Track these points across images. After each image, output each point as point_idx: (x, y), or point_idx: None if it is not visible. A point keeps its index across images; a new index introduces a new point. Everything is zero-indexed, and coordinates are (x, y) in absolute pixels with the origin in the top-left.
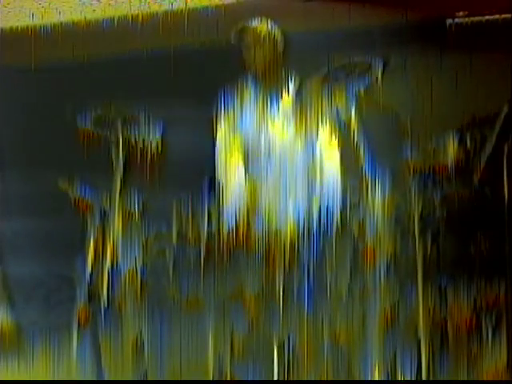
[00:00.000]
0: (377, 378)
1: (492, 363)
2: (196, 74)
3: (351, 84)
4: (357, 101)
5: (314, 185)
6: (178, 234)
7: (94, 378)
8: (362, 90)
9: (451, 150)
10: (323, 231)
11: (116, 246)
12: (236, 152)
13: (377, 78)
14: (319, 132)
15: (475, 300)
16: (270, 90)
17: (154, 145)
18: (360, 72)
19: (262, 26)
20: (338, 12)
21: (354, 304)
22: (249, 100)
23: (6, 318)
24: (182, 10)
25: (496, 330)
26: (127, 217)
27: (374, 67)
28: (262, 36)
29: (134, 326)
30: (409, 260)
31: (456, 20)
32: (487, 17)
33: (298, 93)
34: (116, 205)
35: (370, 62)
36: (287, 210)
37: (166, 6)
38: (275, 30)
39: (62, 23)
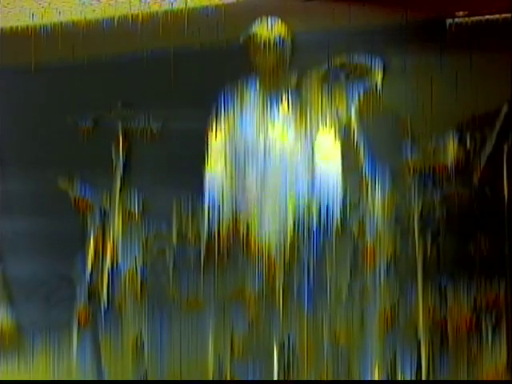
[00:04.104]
0: (377, 378)
1: (492, 363)
2: (196, 74)
3: (351, 84)
4: (357, 101)
5: (314, 185)
6: (178, 233)
7: (94, 378)
8: (362, 94)
9: (451, 150)
10: (323, 231)
11: (116, 245)
12: (235, 152)
13: (376, 73)
14: (319, 132)
15: (475, 300)
16: (271, 90)
17: (153, 145)
18: (360, 73)
19: (267, 26)
20: (339, 12)
21: (354, 303)
22: (249, 100)
23: (6, 318)
24: (181, 10)
25: (496, 329)
26: (127, 216)
27: (373, 64)
28: (267, 36)
29: (134, 325)
30: (409, 260)
31: (456, 20)
32: (487, 17)
33: (298, 93)
34: (116, 204)
35: (370, 59)
36: (287, 210)
37: (166, 6)
38: (280, 30)
39: (61, 23)
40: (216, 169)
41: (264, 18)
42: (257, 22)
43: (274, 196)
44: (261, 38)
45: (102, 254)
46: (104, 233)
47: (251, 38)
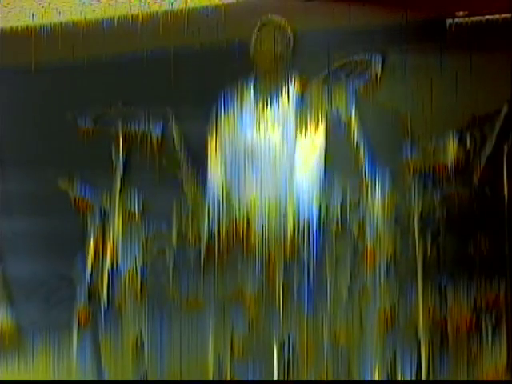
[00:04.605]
0: (377, 378)
1: (492, 363)
2: (196, 74)
3: (351, 83)
4: (357, 100)
5: (314, 185)
6: (178, 233)
7: (94, 378)
8: (361, 86)
9: (451, 150)
10: (323, 231)
11: (116, 245)
12: (235, 152)
13: (376, 74)
14: (319, 132)
15: (475, 300)
16: (271, 90)
17: (153, 145)
18: (360, 70)
19: (271, 23)
20: (339, 12)
21: (354, 304)
22: (249, 100)
23: (6, 318)
24: (181, 10)
25: (496, 329)
26: (127, 217)
27: (373, 64)
28: (267, 37)
29: (134, 325)
30: (409, 260)
31: (456, 20)
32: (487, 17)
33: (298, 93)
34: (116, 205)
35: (370, 59)
36: (287, 210)
37: (166, 6)
38: (280, 31)
39: (61, 23)
40: (216, 169)
41: (264, 19)
42: (258, 23)
43: (274, 196)
44: (260, 38)
45: (102, 254)
46: (104, 233)
47: (252, 38)
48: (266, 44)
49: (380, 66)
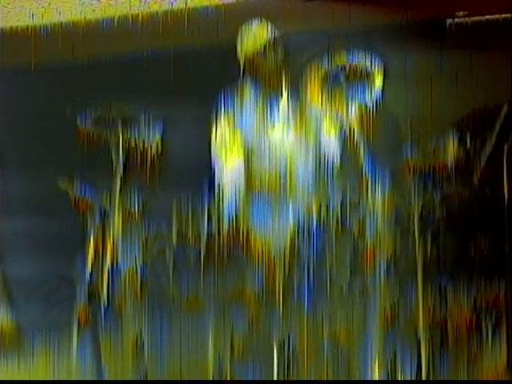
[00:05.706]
0: (377, 378)
1: (492, 363)
2: (196, 74)
3: (351, 86)
4: (357, 101)
5: (314, 184)
6: (178, 233)
7: (94, 378)
8: (361, 87)
9: (451, 149)
10: (323, 231)
11: (116, 245)
12: (236, 152)
13: (376, 74)
14: (319, 132)
15: (475, 300)
16: (270, 90)
17: (153, 145)
18: (360, 75)
19: (261, 28)
20: (339, 12)
21: (354, 303)
22: (249, 100)
23: (6, 318)
24: (181, 10)
25: (496, 329)
26: (127, 217)
27: (373, 64)
28: (261, 38)
29: (134, 325)
30: (409, 260)
31: (456, 20)
32: (487, 17)
33: (298, 93)
34: (116, 205)
35: (370, 59)
36: (287, 210)
37: (166, 6)
38: (274, 32)
39: (61, 23)
40: (216, 170)
41: (263, 20)
42: (254, 24)
43: (274, 196)
44: (259, 39)
45: (102, 254)
46: (104, 233)
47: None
48: (254, 47)
49: (380, 66)
